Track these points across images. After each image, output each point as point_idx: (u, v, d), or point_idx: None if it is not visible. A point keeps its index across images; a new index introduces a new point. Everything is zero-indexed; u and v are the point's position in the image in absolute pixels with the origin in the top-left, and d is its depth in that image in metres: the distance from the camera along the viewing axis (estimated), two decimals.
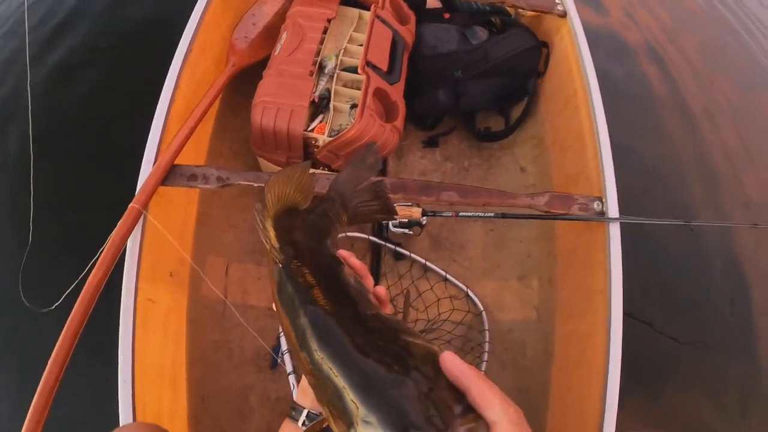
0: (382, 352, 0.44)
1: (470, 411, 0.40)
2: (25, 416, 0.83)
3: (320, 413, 0.65)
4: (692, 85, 2.46)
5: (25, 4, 2.04)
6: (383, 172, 1.71)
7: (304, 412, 0.65)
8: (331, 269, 0.59)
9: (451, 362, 0.43)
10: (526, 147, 1.73)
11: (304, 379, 0.67)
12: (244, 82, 1.54)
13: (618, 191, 1.27)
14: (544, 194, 1.26)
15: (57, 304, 1.02)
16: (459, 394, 0.41)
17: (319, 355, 0.46)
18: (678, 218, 1.30)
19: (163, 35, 1.47)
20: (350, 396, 0.41)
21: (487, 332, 1.45)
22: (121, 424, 0.96)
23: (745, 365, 1.72)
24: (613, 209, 1.24)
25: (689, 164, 2.13)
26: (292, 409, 0.67)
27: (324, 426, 0.61)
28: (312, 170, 1.45)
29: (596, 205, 1.26)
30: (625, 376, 1.10)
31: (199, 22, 1.43)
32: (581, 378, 1.21)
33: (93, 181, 1.68)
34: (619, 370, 1.09)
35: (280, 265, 0.57)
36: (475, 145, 1.78)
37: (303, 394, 0.67)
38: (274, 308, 0.58)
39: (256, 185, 1.24)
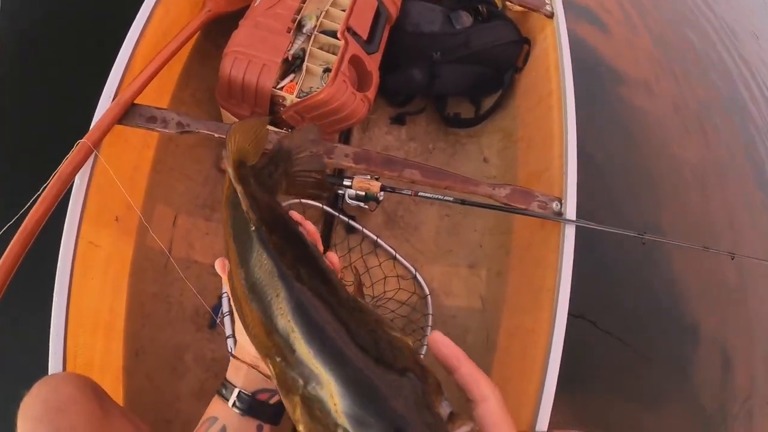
0: (375, 347, 0.40)
1: (452, 412, 0.39)
2: None
3: (253, 393, 0.62)
4: (668, 97, 2.50)
5: None
6: (346, 141, 1.66)
7: (235, 392, 0.62)
8: (290, 227, 0.57)
9: (441, 342, 0.43)
10: (493, 138, 1.72)
11: (237, 357, 0.65)
12: (218, 31, 1.47)
13: (578, 195, 1.27)
14: (506, 186, 1.26)
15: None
16: (441, 391, 0.40)
17: (295, 333, 0.41)
18: (633, 229, 1.31)
19: None
20: (335, 390, 0.37)
21: (430, 316, 1.44)
22: (49, 373, 0.90)
23: (682, 377, 1.78)
24: (570, 211, 1.25)
25: (656, 177, 2.16)
26: (222, 387, 0.63)
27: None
28: (272, 128, 1.38)
29: (555, 205, 1.27)
30: (564, 376, 1.11)
31: None
32: (521, 372, 1.22)
33: (50, 113, 1.57)
34: (557, 369, 1.10)
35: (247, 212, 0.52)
36: (442, 129, 1.77)
37: (236, 370, 0.64)
38: (226, 256, 0.56)
39: (216, 135, 1.18)
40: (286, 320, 0.42)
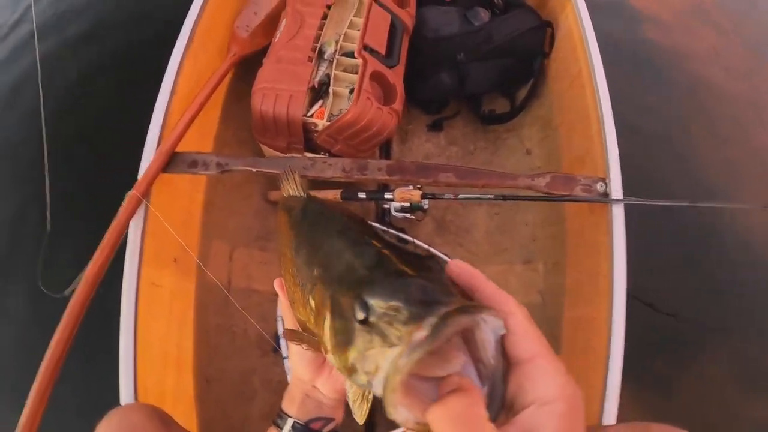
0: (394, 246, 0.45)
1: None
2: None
3: (307, 423, 0.66)
4: (706, 59, 2.44)
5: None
6: (387, 155, 1.77)
7: (290, 422, 0.66)
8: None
9: (458, 264, 0.44)
10: (533, 129, 1.77)
11: (291, 385, 0.70)
12: (248, 70, 1.61)
13: (626, 171, 1.28)
14: (545, 175, 1.30)
15: (69, 289, 1.10)
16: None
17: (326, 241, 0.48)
18: (684, 199, 1.31)
19: (168, 26, 1.55)
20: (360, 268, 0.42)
21: None
22: (121, 405, 1.04)
23: (755, 347, 1.73)
24: (616, 190, 1.26)
25: (700, 142, 2.12)
26: (278, 416, 0.68)
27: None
28: (310, 154, 1.52)
29: (599, 186, 1.28)
30: (631, 365, 1.11)
31: (199, 12, 1.51)
32: (586, 364, 1.23)
33: (106, 168, 1.79)
34: (621, 358, 1.11)
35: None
36: (480, 129, 1.83)
37: (290, 400, 0.68)
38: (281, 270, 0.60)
39: (254, 170, 1.32)
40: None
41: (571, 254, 1.48)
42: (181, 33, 1.46)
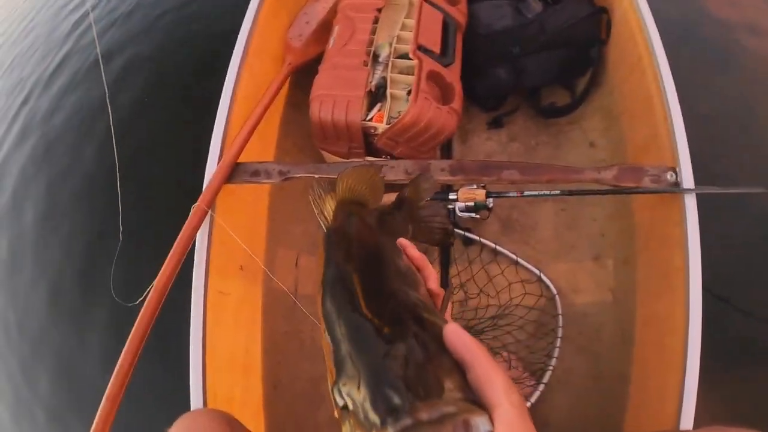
0: (388, 315, 0.46)
1: (466, 392, 0.40)
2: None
3: None
4: None
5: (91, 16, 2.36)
6: (448, 155, 1.81)
7: None
8: (380, 251, 0.62)
9: (454, 333, 0.43)
10: (595, 120, 1.77)
11: None
12: (303, 79, 1.69)
13: (696, 159, 1.27)
14: (611, 167, 1.30)
15: (141, 299, 1.18)
16: (460, 375, 0.41)
17: (327, 308, 0.50)
18: (760, 185, 1.29)
19: (223, 42, 1.65)
20: (344, 346, 0.44)
21: (560, 317, 1.52)
22: (191, 410, 1.11)
23: None
24: (687, 180, 1.25)
25: None
26: None
27: None
28: (371, 158, 1.58)
29: (669, 176, 1.28)
30: (709, 364, 1.10)
31: (252, 26, 1.59)
32: (661, 364, 1.24)
33: (173, 180, 1.94)
34: (698, 356, 1.11)
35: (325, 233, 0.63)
36: (541, 123, 1.85)
37: None
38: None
39: (317, 176, 1.38)
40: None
41: (641, 249, 1.48)
42: (236, 47, 1.55)
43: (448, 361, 0.42)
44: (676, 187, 1.27)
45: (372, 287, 0.51)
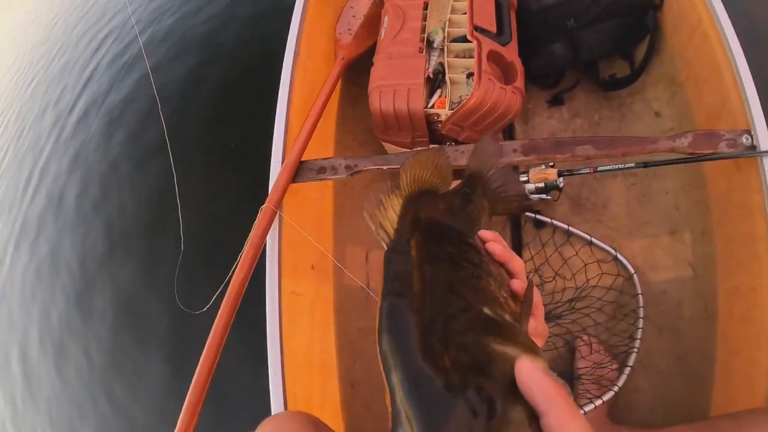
0: (452, 356, 0.43)
1: None
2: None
3: None
4: None
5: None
6: (510, 137, 1.90)
7: None
8: (456, 255, 0.59)
9: (529, 374, 0.40)
10: (658, 88, 1.84)
11: None
12: (357, 73, 1.80)
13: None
14: (686, 134, 1.37)
15: (208, 306, 1.29)
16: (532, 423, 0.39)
17: (384, 347, 0.48)
18: None
19: (275, 42, 1.76)
20: (399, 396, 0.43)
21: (640, 296, 1.57)
22: (272, 413, 1.20)
23: None
24: (765, 141, 1.29)
25: None
26: None
27: None
28: (433, 146, 1.67)
29: (745, 139, 1.32)
30: None
31: (300, 25, 1.70)
32: (747, 339, 1.28)
33: (234, 184, 2.08)
34: None
35: (385, 245, 0.61)
36: (602, 96, 1.92)
37: None
38: None
39: (385, 168, 1.47)
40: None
41: (719, 219, 1.53)
42: (287, 49, 1.66)
43: (519, 412, 0.39)
44: (753, 149, 1.31)
45: (436, 322, 0.47)
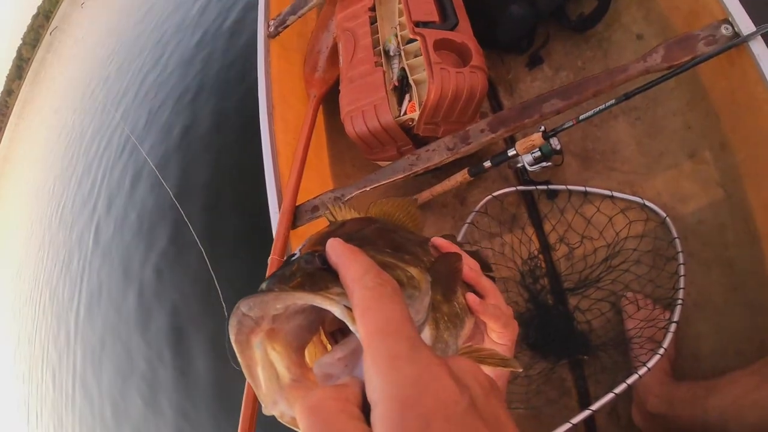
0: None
1: None
2: None
3: None
4: None
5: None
6: (500, 110, 1.78)
7: None
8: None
9: (329, 244, 0.41)
10: (632, 10, 1.67)
11: None
12: (336, 104, 1.75)
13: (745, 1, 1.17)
14: (656, 49, 1.24)
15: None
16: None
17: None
18: None
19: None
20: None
21: (677, 240, 1.38)
22: None
23: None
24: (745, 25, 1.15)
25: None
26: None
27: None
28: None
29: (725, 30, 1.19)
30: None
31: (266, 78, 1.71)
32: None
33: (251, 234, 2.13)
34: None
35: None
36: (580, 39, 1.76)
37: None
38: None
39: (369, 189, 1.43)
40: None
41: (733, 126, 1.36)
42: (259, 103, 1.67)
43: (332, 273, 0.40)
44: (736, 38, 1.18)
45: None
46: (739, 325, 1.29)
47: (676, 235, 1.39)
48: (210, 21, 3.72)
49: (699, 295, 1.35)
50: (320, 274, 0.40)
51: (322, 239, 0.48)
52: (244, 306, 0.37)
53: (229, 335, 0.37)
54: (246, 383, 1.16)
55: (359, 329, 0.34)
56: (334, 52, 1.85)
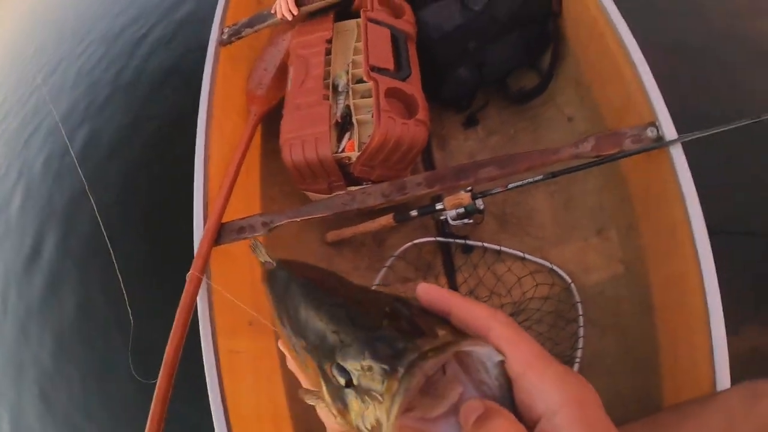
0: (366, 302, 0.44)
1: (459, 335, 0.38)
2: None
3: None
4: None
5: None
6: (431, 165, 1.79)
7: None
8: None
9: (424, 289, 0.41)
10: (568, 93, 1.73)
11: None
12: (277, 124, 1.68)
13: (678, 107, 1.25)
14: (588, 139, 1.28)
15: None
16: (448, 324, 0.40)
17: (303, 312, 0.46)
18: (745, 118, 1.23)
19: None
20: (330, 332, 0.41)
21: (579, 305, 1.45)
22: None
23: None
24: (669, 131, 1.22)
25: (742, 57, 1.99)
26: None
27: None
28: (353, 188, 1.57)
29: (650, 132, 1.24)
30: (734, 314, 1.07)
31: (211, 83, 1.62)
32: (687, 325, 1.19)
33: (168, 250, 2.00)
34: (720, 309, 1.07)
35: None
36: (515, 110, 1.81)
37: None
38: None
39: (299, 220, 1.39)
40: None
41: (642, 212, 1.43)
42: (200, 109, 1.57)
43: (433, 316, 0.40)
44: (659, 141, 1.24)
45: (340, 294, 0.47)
46: (627, 387, 1.35)
47: (578, 299, 1.46)
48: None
49: (593, 356, 1.41)
50: (421, 322, 0.39)
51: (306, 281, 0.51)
52: (429, 368, 0.35)
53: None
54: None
55: (515, 356, 0.36)
56: (281, 71, 1.80)
